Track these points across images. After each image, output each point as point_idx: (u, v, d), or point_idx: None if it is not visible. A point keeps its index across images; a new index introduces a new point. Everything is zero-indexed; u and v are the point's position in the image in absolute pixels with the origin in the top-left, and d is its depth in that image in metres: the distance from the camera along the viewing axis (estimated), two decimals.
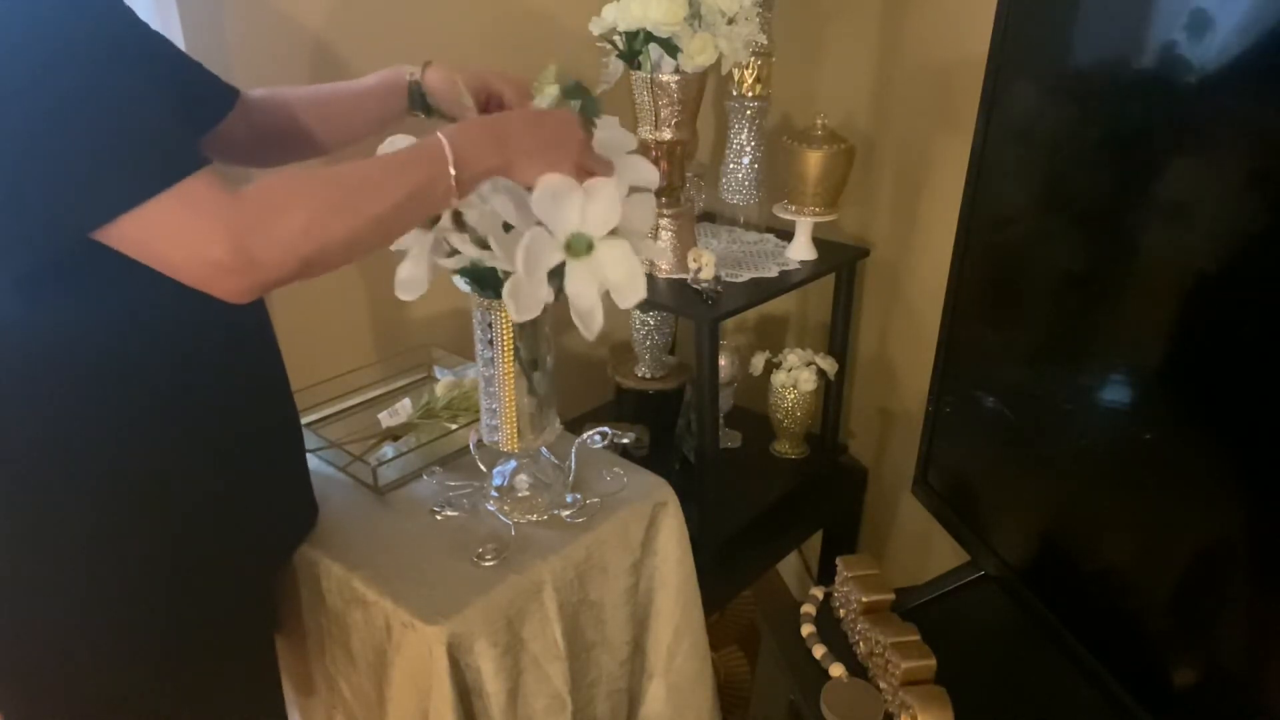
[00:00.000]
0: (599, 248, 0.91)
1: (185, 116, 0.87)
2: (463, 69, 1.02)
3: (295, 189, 0.75)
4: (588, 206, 0.89)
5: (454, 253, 0.97)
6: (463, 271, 1.00)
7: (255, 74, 1.29)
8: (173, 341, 0.88)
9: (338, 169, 0.79)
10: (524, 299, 0.89)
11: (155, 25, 1.14)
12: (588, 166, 0.90)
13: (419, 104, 1.05)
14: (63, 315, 0.80)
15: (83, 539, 0.86)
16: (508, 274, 0.91)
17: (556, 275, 0.91)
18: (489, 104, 1.02)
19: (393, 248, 0.96)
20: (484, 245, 0.93)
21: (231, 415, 0.95)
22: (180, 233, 0.71)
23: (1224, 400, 0.84)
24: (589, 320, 0.91)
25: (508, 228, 0.92)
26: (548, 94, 0.95)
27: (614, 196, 0.89)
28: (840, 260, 1.62)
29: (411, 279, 0.97)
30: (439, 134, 0.82)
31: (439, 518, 1.18)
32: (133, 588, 0.89)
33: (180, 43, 1.18)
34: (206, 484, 0.93)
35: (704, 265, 1.39)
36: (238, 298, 0.74)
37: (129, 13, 0.88)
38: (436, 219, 0.94)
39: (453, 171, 0.81)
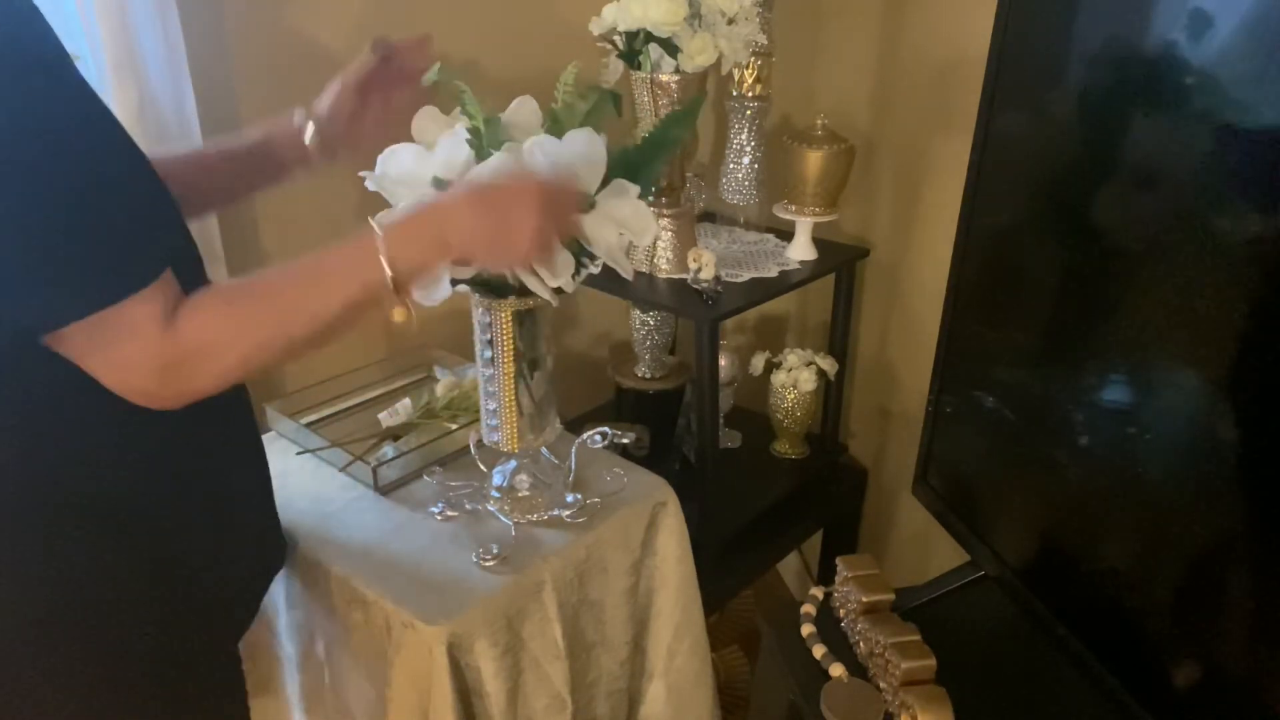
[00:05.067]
0: (600, 201, 0.93)
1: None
2: (336, 83, 0.99)
3: (234, 324, 0.75)
4: (582, 169, 0.91)
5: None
6: (474, 281, 1.00)
7: (257, 87, 1.30)
8: None
9: (271, 285, 0.77)
10: (555, 265, 0.90)
11: (157, 40, 1.12)
12: (547, 248, 0.83)
13: (327, 150, 1.01)
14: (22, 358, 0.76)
15: (37, 566, 0.82)
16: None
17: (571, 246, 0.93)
18: (371, 80, 0.99)
19: None
20: None
21: (195, 442, 0.91)
22: (114, 355, 0.71)
23: (1224, 399, 0.84)
24: (618, 257, 0.95)
25: None
26: (576, 111, 0.96)
27: (599, 151, 0.92)
28: (840, 260, 1.62)
29: (430, 284, 0.96)
30: (377, 230, 0.77)
31: (439, 518, 1.18)
32: (82, 622, 0.85)
33: (183, 58, 1.16)
34: (169, 514, 0.88)
35: (704, 265, 1.39)
36: (167, 407, 0.75)
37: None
38: None
39: (389, 275, 0.76)
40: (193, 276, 0.82)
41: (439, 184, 0.91)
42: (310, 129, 1.00)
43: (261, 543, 1.05)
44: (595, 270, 1.00)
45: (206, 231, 1.23)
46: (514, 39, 1.56)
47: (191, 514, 0.90)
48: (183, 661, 0.93)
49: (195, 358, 0.73)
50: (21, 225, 0.66)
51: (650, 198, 1.06)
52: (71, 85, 0.69)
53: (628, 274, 0.98)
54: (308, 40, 1.34)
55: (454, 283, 0.99)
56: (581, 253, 0.96)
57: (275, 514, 1.07)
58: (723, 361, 1.64)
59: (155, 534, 0.87)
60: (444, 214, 0.80)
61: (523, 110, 0.99)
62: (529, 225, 0.80)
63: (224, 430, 0.95)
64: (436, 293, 0.93)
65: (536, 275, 0.94)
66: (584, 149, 0.93)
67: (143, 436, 0.83)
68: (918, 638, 1.13)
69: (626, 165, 0.96)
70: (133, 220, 0.72)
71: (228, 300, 0.76)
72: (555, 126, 0.97)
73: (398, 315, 0.79)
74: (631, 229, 0.96)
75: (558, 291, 0.97)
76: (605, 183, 0.94)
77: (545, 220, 0.81)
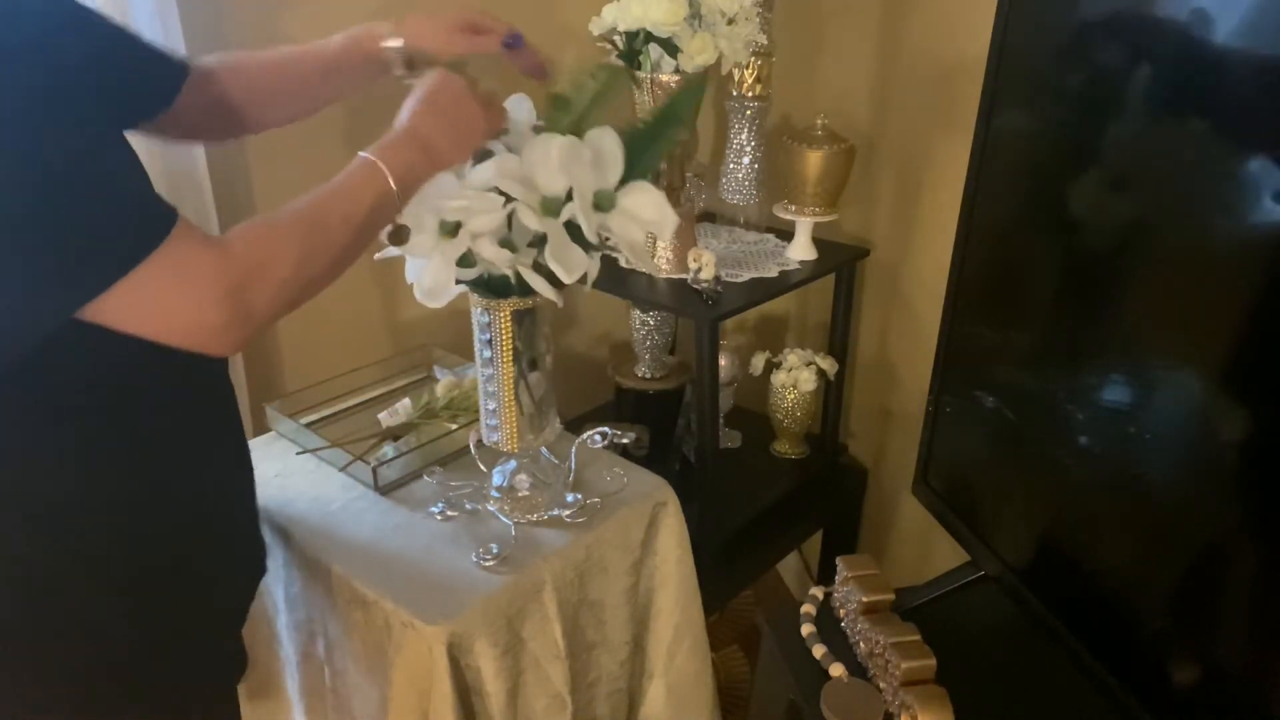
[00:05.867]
0: (620, 199, 0.96)
1: (137, 107, 0.86)
2: (437, 17, 1.00)
3: (278, 238, 0.76)
4: (598, 161, 0.94)
5: (468, 262, 0.97)
6: (475, 282, 1.01)
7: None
8: (131, 376, 0.82)
9: (296, 210, 0.79)
10: (570, 261, 0.93)
11: (157, 40, 1.08)
12: (495, 120, 0.94)
13: (404, 67, 1.01)
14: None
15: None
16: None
17: (580, 240, 0.95)
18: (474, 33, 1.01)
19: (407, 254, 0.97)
20: (508, 246, 0.95)
21: (179, 428, 0.89)
22: (174, 300, 0.70)
23: (1224, 399, 0.84)
24: (642, 255, 0.99)
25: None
26: (586, 89, 0.98)
27: (612, 144, 0.95)
28: (840, 260, 1.62)
29: (436, 286, 0.96)
30: (368, 157, 0.84)
31: (439, 518, 1.18)
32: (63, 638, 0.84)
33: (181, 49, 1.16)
34: (155, 517, 0.87)
35: (704, 265, 1.39)
36: (231, 351, 0.75)
37: (59, 12, 0.77)
38: (457, 225, 0.94)
39: (394, 189, 0.84)
40: None
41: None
42: (399, 66, 1.01)
43: (249, 548, 1.04)
44: (593, 273, 1.00)
45: (201, 208, 1.24)
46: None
47: (180, 524, 0.89)
48: (171, 674, 0.92)
49: (255, 274, 0.73)
50: (49, 188, 0.65)
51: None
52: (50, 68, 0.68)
53: (653, 271, 1.00)
54: (307, 40, 1.34)
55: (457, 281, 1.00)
56: (589, 249, 0.96)
57: (258, 521, 1.04)
58: (723, 361, 1.64)
59: (142, 544, 0.86)
60: (411, 127, 0.89)
61: (520, 109, 0.99)
62: (473, 109, 0.91)
63: (212, 439, 0.95)
64: (442, 295, 0.94)
65: (540, 276, 0.95)
66: (598, 145, 0.94)
67: (124, 445, 0.83)
68: (918, 638, 1.13)
69: (630, 148, 0.97)
70: (138, 177, 0.74)
71: (266, 221, 0.78)
72: (561, 109, 0.97)
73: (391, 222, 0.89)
74: (655, 224, 0.97)
75: (559, 288, 0.97)
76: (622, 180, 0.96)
77: (481, 102, 0.92)
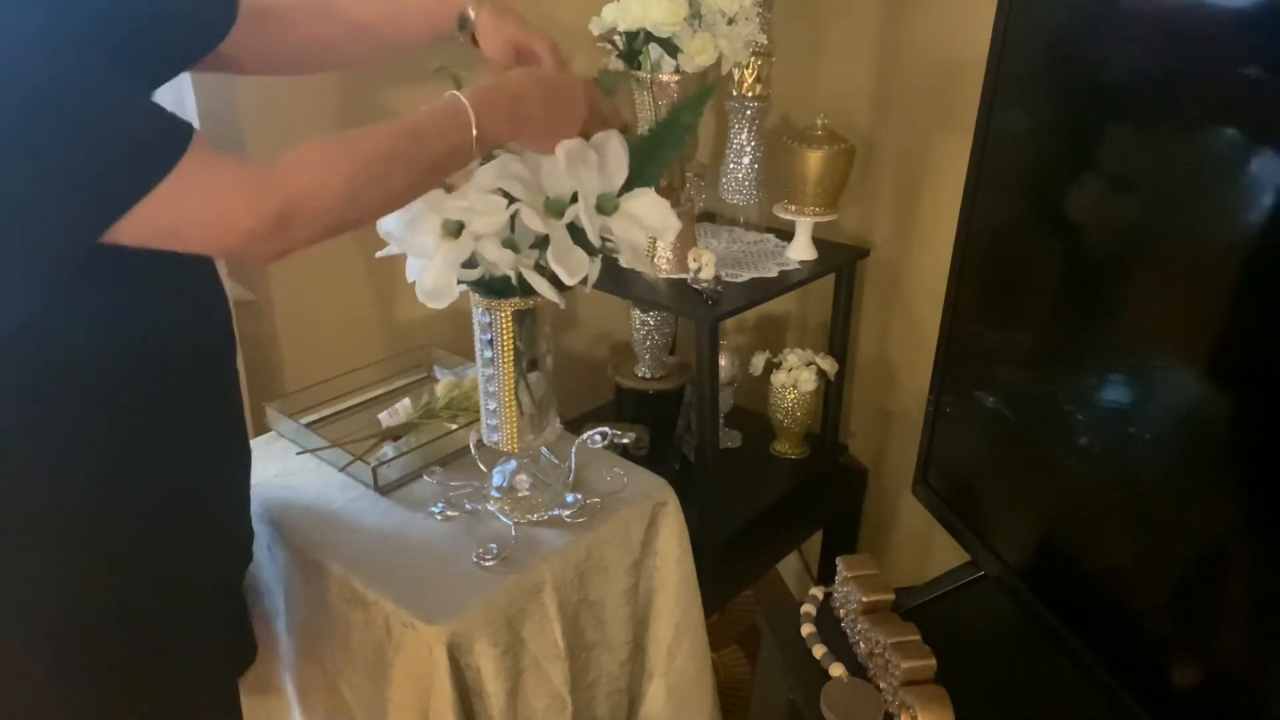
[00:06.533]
0: (623, 203, 0.96)
1: (179, 45, 0.86)
2: (508, 20, 0.99)
3: (332, 162, 0.75)
4: (603, 165, 0.94)
5: (471, 263, 0.97)
6: (476, 282, 1.00)
7: (257, 85, 1.29)
8: (143, 354, 0.84)
9: (368, 136, 0.78)
10: (572, 263, 0.93)
11: None
12: (596, 127, 0.93)
13: (467, 33, 1.01)
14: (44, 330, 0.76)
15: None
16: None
17: (582, 242, 0.95)
18: (520, 60, 1.00)
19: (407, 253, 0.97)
20: (511, 247, 0.95)
21: (183, 428, 0.90)
22: (208, 207, 0.70)
23: (1224, 399, 0.84)
24: (642, 259, 0.98)
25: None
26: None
27: (618, 148, 0.95)
28: (840, 260, 1.62)
29: (438, 287, 0.95)
30: (463, 99, 0.82)
31: (439, 518, 1.18)
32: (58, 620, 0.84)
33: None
34: (151, 496, 0.88)
35: (704, 265, 1.39)
36: (270, 259, 0.75)
37: None
38: (460, 226, 0.94)
39: (474, 137, 0.82)
40: None
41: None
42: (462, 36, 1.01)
43: (241, 538, 1.06)
44: (593, 275, 1.00)
45: None
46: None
47: (176, 520, 0.90)
48: (165, 665, 0.93)
49: (298, 197, 0.72)
50: (69, 108, 0.66)
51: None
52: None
53: (652, 274, 1.00)
54: None
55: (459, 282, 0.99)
56: (593, 252, 0.96)
57: (249, 508, 1.07)
58: (723, 361, 1.64)
59: (139, 543, 0.87)
60: (522, 91, 0.87)
61: None
62: (579, 116, 0.91)
63: (215, 433, 0.95)
64: (445, 295, 0.94)
65: (544, 278, 0.95)
66: (604, 148, 0.94)
67: (128, 437, 0.83)
68: (918, 638, 1.13)
69: (637, 155, 0.97)
70: (147, 101, 0.73)
71: (330, 144, 0.77)
72: None
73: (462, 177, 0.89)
74: (658, 228, 0.97)
75: (561, 289, 0.97)
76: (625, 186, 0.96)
77: (589, 115, 0.92)
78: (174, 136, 0.70)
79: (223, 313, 0.96)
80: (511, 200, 0.92)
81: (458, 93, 0.83)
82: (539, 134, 0.89)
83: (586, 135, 0.93)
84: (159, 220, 0.70)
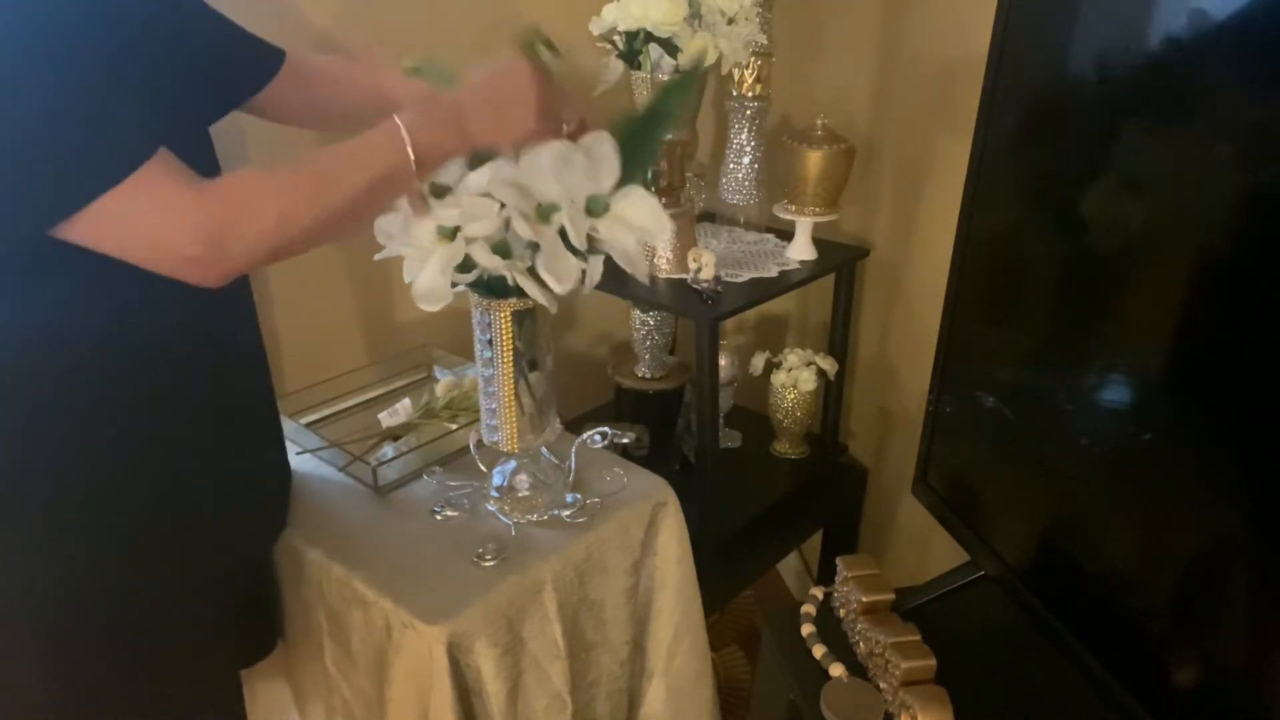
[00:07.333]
0: (614, 205, 0.94)
1: (228, 89, 0.90)
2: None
3: (265, 188, 0.77)
4: (592, 167, 0.92)
5: (466, 266, 0.96)
6: (475, 282, 1.00)
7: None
8: (147, 339, 0.86)
9: (299, 162, 0.80)
10: (562, 271, 0.92)
11: None
12: (553, 118, 0.91)
13: None
14: (36, 312, 0.79)
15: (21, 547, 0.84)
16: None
17: (573, 246, 0.93)
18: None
19: (403, 254, 0.97)
20: (503, 253, 0.94)
21: (208, 413, 0.93)
22: (150, 225, 0.72)
23: (1224, 399, 0.84)
24: (635, 261, 0.95)
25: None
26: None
27: (608, 150, 0.92)
28: (840, 260, 1.62)
29: (433, 291, 0.95)
30: (397, 120, 0.82)
31: (439, 518, 1.18)
32: (77, 612, 0.86)
33: None
34: (176, 486, 0.91)
35: (704, 265, 1.39)
36: (212, 283, 0.76)
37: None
38: (456, 230, 0.94)
39: (413, 157, 0.82)
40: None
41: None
42: None
43: (279, 514, 1.12)
44: (596, 277, 0.99)
45: None
46: (512, 39, 1.56)
47: (208, 495, 0.94)
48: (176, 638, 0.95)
49: (233, 220, 0.74)
50: (36, 111, 0.68)
51: (653, 188, 1.05)
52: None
53: (644, 278, 0.99)
54: (306, 40, 1.34)
55: (454, 284, 0.99)
56: (586, 254, 0.96)
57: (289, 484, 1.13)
58: (723, 361, 1.64)
59: (167, 517, 0.90)
60: (456, 104, 0.87)
61: None
62: (529, 111, 0.89)
63: (247, 418, 1.00)
64: (439, 298, 0.94)
65: (537, 282, 0.94)
66: (592, 150, 0.93)
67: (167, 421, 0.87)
68: (918, 638, 1.13)
69: (623, 141, 0.95)
70: (122, 113, 0.74)
71: (262, 168, 0.79)
72: None
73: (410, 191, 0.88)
74: (649, 230, 0.96)
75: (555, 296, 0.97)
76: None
77: (540, 109, 0.89)
78: (130, 151, 0.71)
79: (247, 301, 0.98)
80: (504, 205, 0.92)
81: (396, 114, 0.83)
82: (487, 139, 0.89)
83: (540, 139, 0.90)
84: (104, 229, 0.72)
